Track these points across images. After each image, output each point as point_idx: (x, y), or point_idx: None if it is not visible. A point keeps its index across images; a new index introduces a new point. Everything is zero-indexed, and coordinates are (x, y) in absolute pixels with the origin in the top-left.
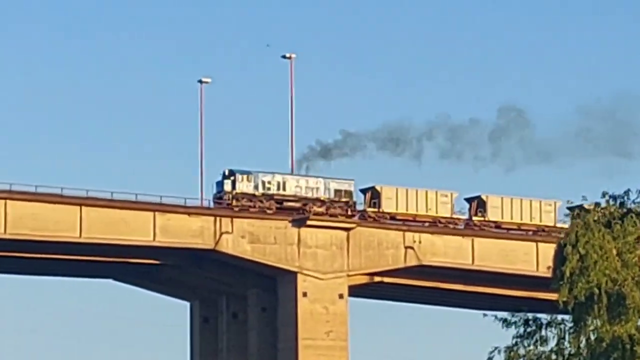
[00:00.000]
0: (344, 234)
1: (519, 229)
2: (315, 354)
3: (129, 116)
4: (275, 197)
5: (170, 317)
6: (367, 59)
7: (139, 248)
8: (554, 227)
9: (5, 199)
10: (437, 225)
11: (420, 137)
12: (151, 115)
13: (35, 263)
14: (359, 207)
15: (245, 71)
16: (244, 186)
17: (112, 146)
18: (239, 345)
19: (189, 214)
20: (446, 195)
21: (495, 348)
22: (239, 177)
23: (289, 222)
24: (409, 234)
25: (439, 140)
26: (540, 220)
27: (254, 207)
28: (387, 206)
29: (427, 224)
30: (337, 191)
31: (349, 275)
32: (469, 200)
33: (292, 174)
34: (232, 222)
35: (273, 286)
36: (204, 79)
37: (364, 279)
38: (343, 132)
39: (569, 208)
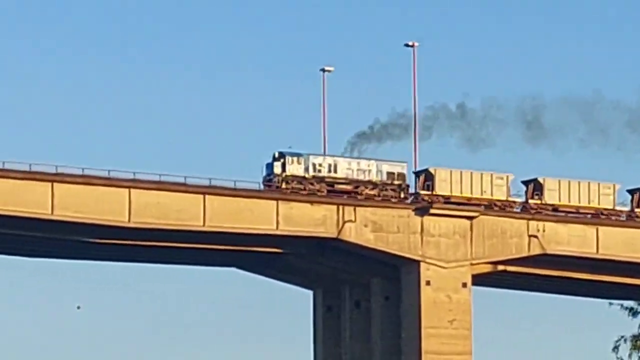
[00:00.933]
0: (467, 222)
1: (577, 212)
2: (438, 342)
3: (255, 106)
4: (326, 179)
5: (293, 305)
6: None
7: (263, 237)
8: (613, 210)
9: (129, 187)
10: (561, 214)
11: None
12: (275, 104)
13: (159, 251)
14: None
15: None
16: (294, 168)
17: (236, 137)
18: (362, 333)
19: (311, 202)
20: (501, 178)
21: (621, 337)
22: (288, 159)
23: (412, 210)
24: (532, 223)
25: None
26: (599, 204)
27: (304, 189)
28: (441, 189)
29: (482, 207)
30: (389, 173)
31: (472, 264)
32: (526, 183)
33: (342, 156)
34: (354, 210)
35: (396, 275)
36: (326, 68)
37: (487, 268)
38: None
39: (629, 191)
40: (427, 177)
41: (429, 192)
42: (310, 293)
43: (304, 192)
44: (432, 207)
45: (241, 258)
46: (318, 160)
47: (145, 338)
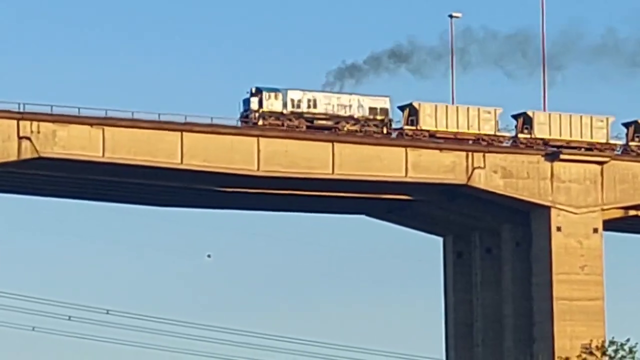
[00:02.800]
0: (597, 167)
1: (568, 147)
2: (570, 288)
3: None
4: (305, 115)
5: (423, 252)
6: None
7: (392, 184)
8: (607, 143)
9: (258, 136)
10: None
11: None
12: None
13: (288, 200)
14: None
15: None
16: (271, 104)
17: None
18: (492, 280)
19: (440, 149)
20: (489, 112)
21: None
22: (265, 94)
23: (542, 156)
24: None
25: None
26: (592, 137)
27: (282, 125)
28: (426, 124)
29: (470, 142)
30: (371, 109)
31: (603, 210)
32: (515, 117)
33: (323, 91)
34: (484, 157)
35: (526, 221)
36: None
37: (619, 213)
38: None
39: (624, 124)
40: (411, 112)
41: (413, 127)
42: (440, 240)
43: (504, 145)
44: (562, 153)
45: (370, 205)
46: (296, 95)
47: (274, 286)
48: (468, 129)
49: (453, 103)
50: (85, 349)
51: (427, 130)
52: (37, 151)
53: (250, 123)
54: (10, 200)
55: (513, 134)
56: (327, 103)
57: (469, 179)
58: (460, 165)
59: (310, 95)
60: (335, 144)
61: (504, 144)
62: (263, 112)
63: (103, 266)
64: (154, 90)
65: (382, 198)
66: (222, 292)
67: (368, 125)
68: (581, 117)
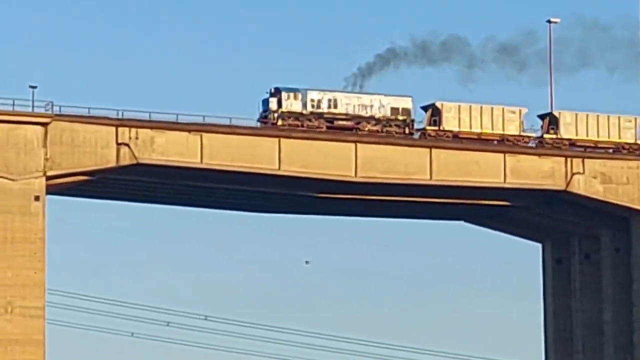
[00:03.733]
0: None
1: (596, 147)
2: None
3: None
4: (326, 115)
5: (522, 258)
6: None
7: (490, 190)
8: (635, 144)
9: (355, 142)
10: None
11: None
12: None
13: (386, 205)
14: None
15: None
16: (291, 104)
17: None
18: (592, 286)
19: (539, 155)
20: (514, 112)
21: None
22: (284, 95)
23: None
24: None
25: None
26: (619, 137)
27: (302, 126)
28: (449, 124)
29: (495, 143)
30: (393, 109)
31: None
32: (541, 117)
33: (343, 91)
34: (583, 162)
35: (626, 227)
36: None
37: None
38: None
39: None
40: (433, 112)
41: (436, 128)
42: (539, 246)
43: (302, 129)
44: None
45: (468, 211)
46: (316, 95)
47: (373, 292)
48: (492, 129)
49: (551, 109)
50: (183, 354)
51: (450, 131)
52: (135, 157)
53: (269, 124)
54: (108, 206)
55: (539, 134)
56: (348, 103)
57: (568, 184)
58: (559, 171)
59: (330, 95)
60: (432, 149)
61: (530, 145)
62: (282, 112)
63: (201, 272)
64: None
65: (481, 204)
66: (321, 298)
67: (390, 126)
68: (608, 117)
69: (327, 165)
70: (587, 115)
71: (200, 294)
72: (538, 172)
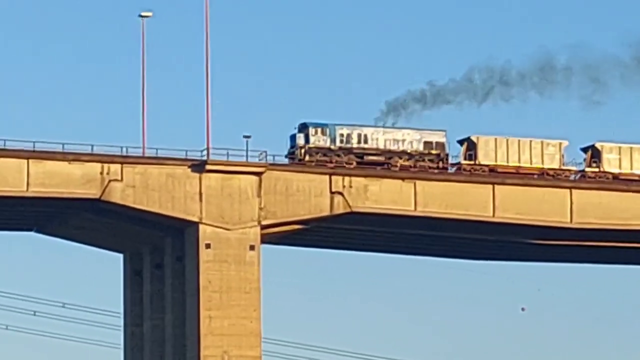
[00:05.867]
0: None
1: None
2: None
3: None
4: (355, 150)
5: None
6: None
7: None
8: None
9: (570, 188)
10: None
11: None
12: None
13: (602, 251)
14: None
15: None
16: (318, 140)
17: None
18: None
19: None
20: (554, 145)
21: None
22: (312, 130)
23: None
24: None
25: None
26: None
27: (331, 162)
28: (485, 158)
29: (536, 176)
30: (426, 143)
31: None
32: (584, 149)
33: (374, 125)
34: None
35: None
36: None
37: None
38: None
39: None
40: (469, 146)
41: (472, 162)
42: None
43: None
44: None
45: None
46: (345, 130)
47: (589, 339)
48: (531, 163)
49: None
50: None
51: (487, 165)
52: (349, 206)
53: (296, 159)
54: (323, 254)
55: (582, 167)
56: (378, 138)
57: None
58: None
59: (360, 130)
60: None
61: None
62: (309, 148)
63: (415, 317)
64: None
65: None
66: (538, 346)
67: (423, 160)
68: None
69: (541, 211)
70: (632, 148)
71: (416, 340)
72: None
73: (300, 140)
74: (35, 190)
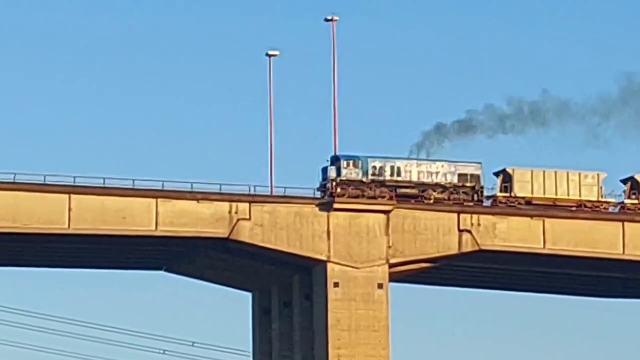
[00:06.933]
0: None
1: None
2: None
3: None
4: (388, 183)
5: None
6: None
7: None
8: None
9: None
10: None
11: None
12: None
13: None
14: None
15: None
16: (350, 172)
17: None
18: None
19: None
20: (592, 177)
21: None
22: (343, 163)
23: None
24: None
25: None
26: None
27: (363, 195)
28: (521, 190)
29: (574, 209)
30: (461, 175)
31: None
32: (624, 181)
33: (407, 158)
34: None
35: None
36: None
37: None
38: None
39: None
40: (505, 178)
41: (508, 195)
42: None
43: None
44: None
45: None
46: (378, 163)
47: None
48: (568, 195)
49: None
50: None
51: (523, 198)
52: (477, 244)
53: (327, 193)
54: (452, 293)
55: (621, 200)
56: (412, 170)
57: None
58: None
59: (393, 162)
60: None
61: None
62: (341, 180)
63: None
64: None
65: None
66: None
67: (457, 193)
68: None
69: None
70: None
71: None
72: None
73: (332, 173)
74: (165, 230)
